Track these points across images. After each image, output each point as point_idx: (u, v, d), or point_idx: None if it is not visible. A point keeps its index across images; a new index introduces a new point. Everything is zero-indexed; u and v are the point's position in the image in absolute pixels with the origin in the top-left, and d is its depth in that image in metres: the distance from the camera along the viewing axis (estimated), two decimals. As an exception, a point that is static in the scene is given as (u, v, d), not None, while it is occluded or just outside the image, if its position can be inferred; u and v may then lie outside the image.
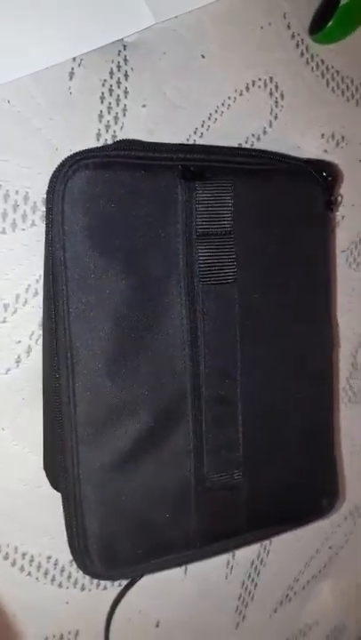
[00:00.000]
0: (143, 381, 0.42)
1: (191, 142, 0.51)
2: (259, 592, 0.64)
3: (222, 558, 0.60)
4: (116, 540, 0.43)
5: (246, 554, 0.62)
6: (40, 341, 0.47)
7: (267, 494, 0.48)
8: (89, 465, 0.42)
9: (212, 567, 0.59)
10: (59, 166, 0.39)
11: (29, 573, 0.51)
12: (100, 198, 0.40)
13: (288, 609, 0.68)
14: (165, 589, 0.57)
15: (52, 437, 0.44)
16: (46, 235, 0.40)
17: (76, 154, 0.39)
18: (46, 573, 0.51)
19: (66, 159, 0.39)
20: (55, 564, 0.51)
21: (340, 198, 0.52)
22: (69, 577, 0.52)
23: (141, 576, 0.47)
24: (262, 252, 0.46)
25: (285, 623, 0.68)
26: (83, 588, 0.53)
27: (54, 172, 0.39)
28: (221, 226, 0.44)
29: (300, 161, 0.48)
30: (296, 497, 0.50)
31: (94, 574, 0.44)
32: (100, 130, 0.47)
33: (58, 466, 0.43)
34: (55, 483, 0.46)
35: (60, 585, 0.52)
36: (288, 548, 0.65)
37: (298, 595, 0.69)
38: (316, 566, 0.69)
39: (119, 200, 0.40)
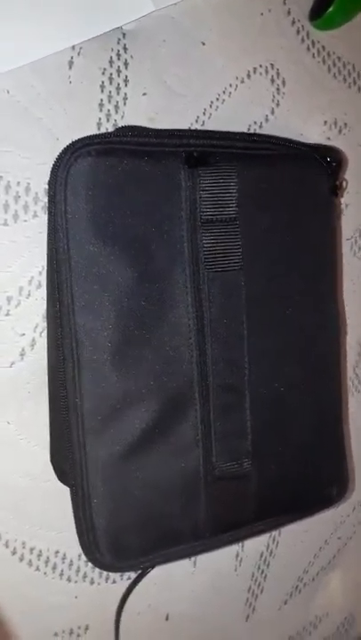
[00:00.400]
0: (149, 371, 0.42)
1: (195, 129, 0.50)
2: (268, 584, 0.64)
3: (231, 550, 0.60)
4: (125, 532, 0.43)
5: (255, 545, 0.61)
6: (44, 334, 0.47)
7: (276, 483, 0.47)
8: (96, 456, 0.41)
9: (221, 560, 0.59)
10: (60, 153, 0.39)
11: (38, 568, 0.50)
12: (103, 185, 0.39)
13: (298, 601, 0.68)
14: (175, 583, 0.57)
15: (58, 430, 0.44)
16: (49, 223, 0.40)
17: (77, 140, 0.39)
18: (55, 568, 0.51)
19: (68, 146, 0.39)
20: (63, 559, 0.51)
21: (344, 183, 0.51)
22: (78, 571, 0.52)
23: (151, 568, 0.47)
24: (268, 239, 0.46)
25: (295, 615, 0.68)
26: (92, 582, 0.53)
27: (56, 159, 0.39)
28: (226, 212, 0.44)
29: (304, 145, 0.47)
30: (305, 486, 0.49)
31: (104, 566, 0.43)
32: (100, 119, 0.47)
33: (65, 458, 0.42)
34: (62, 476, 0.46)
35: (68, 579, 0.52)
36: (297, 540, 0.65)
37: (307, 586, 0.68)
38: (325, 557, 0.68)
39: (122, 187, 0.40)
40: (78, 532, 0.42)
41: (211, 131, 0.48)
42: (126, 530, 0.42)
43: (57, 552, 0.51)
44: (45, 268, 0.44)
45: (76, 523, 0.42)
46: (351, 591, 0.74)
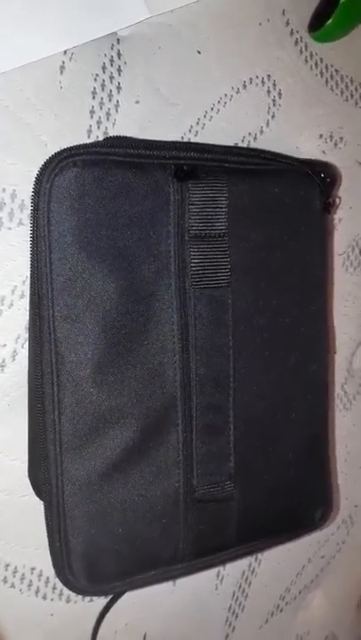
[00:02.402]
0: (132, 389, 0.41)
1: (186, 141, 0.49)
2: (249, 603, 0.63)
3: (212, 569, 0.59)
4: (100, 555, 0.41)
5: (237, 564, 0.60)
6: (26, 345, 0.46)
7: (259, 507, 0.46)
8: (73, 476, 0.40)
9: (202, 578, 0.58)
10: (45, 163, 0.37)
11: (13, 585, 0.49)
12: (89, 197, 0.38)
13: (279, 619, 0.67)
14: (153, 601, 0.56)
15: (35, 446, 0.43)
16: (32, 234, 0.38)
17: (63, 150, 0.37)
18: (30, 585, 0.50)
19: (53, 156, 0.37)
20: (40, 576, 0.50)
21: (338, 200, 0.50)
22: (54, 588, 0.51)
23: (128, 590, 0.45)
24: (257, 255, 0.45)
25: (276, 634, 0.67)
26: (68, 600, 0.51)
27: (40, 169, 0.37)
28: (215, 227, 0.43)
29: (297, 161, 0.46)
30: (289, 509, 0.48)
31: (78, 590, 0.42)
32: (91, 126, 0.46)
33: (41, 476, 0.41)
34: (40, 492, 0.44)
35: (44, 597, 0.50)
36: (280, 558, 0.64)
37: (289, 605, 0.67)
38: (308, 576, 0.67)
39: (108, 199, 0.39)
40: (52, 555, 0.41)
41: (201, 144, 0.47)
42: (102, 553, 0.41)
43: (33, 569, 0.49)
44: (29, 277, 0.43)
45: (49, 544, 0.41)
46: (333, 609, 0.73)
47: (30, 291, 0.42)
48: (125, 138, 0.41)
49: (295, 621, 0.69)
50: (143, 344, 0.41)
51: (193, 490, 0.43)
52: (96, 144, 0.38)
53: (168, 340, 0.42)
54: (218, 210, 0.42)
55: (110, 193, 0.39)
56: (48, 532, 0.41)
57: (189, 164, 0.41)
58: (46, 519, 0.41)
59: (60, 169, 0.37)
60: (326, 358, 0.50)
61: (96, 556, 0.41)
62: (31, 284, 0.41)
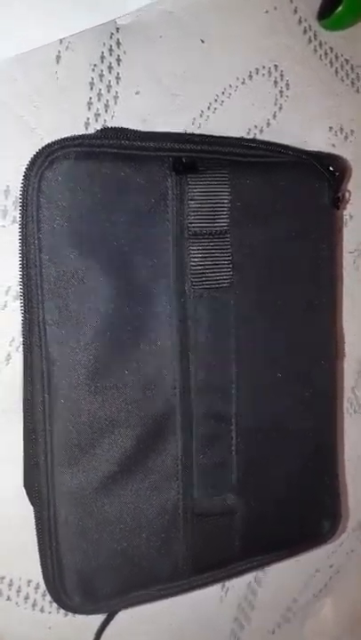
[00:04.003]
0: (127, 396, 0.39)
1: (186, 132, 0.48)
2: (256, 614, 0.61)
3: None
4: (95, 573, 0.39)
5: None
6: (21, 349, 0.44)
7: (263, 519, 0.44)
8: (66, 488, 0.38)
9: (206, 590, 0.56)
10: (35, 155, 0.36)
11: (9, 598, 0.47)
12: (81, 192, 0.36)
13: (286, 630, 0.65)
14: (156, 613, 0.54)
15: (27, 455, 0.41)
16: (20, 232, 0.36)
17: (54, 142, 0.36)
18: (27, 598, 0.48)
19: (43, 148, 0.36)
20: (36, 588, 0.48)
21: (347, 194, 0.48)
22: (52, 602, 0.48)
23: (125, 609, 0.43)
24: (261, 254, 0.42)
25: (284, 645, 0.65)
26: (66, 614, 0.50)
27: (30, 161, 0.36)
28: (216, 224, 0.41)
29: (304, 153, 0.44)
30: (295, 521, 0.46)
31: (72, 609, 0.40)
32: (88, 118, 0.45)
33: (32, 488, 0.39)
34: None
35: (41, 610, 0.49)
36: (287, 568, 0.61)
37: (297, 615, 0.65)
38: (316, 586, 0.65)
39: (102, 194, 0.37)
40: (43, 572, 0.39)
41: (201, 135, 0.45)
42: (97, 569, 0.39)
43: (29, 581, 0.48)
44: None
45: (41, 561, 0.39)
46: (342, 619, 0.70)
47: (21, 292, 0.40)
48: (121, 129, 0.39)
49: (303, 632, 0.67)
50: (140, 349, 0.39)
51: (193, 502, 0.41)
52: (89, 135, 0.37)
53: (166, 344, 0.40)
54: (219, 205, 0.40)
55: (104, 187, 0.37)
56: (39, 546, 0.39)
57: (189, 156, 0.39)
58: (37, 533, 0.39)
59: (50, 162, 0.35)
60: (335, 362, 0.48)
61: (90, 573, 0.39)
62: (21, 285, 0.39)
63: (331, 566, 0.66)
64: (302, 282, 0.44)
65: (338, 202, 0.45)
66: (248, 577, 0.59)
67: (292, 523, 0.46)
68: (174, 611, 0.55)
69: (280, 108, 0.52)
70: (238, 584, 0.58)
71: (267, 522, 0.44)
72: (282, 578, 0.61)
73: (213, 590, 0.57)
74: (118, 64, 0.45)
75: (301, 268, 0.44)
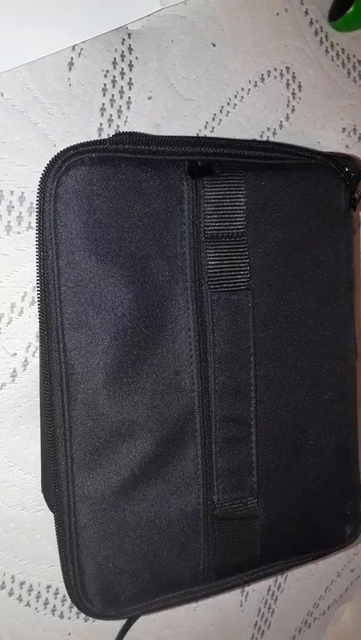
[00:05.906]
0: (146, 400, 0.38)
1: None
2: (276, 619, 0.60)
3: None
4: (116, 577, 0.39)
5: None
6: (37, 354, 0.44)
7: (284, 523, 0.44)
8: (86, 493, 0.38)
9: (225, 594, 0.56)
10: (51, 161, 0.35)
11: (28, 603, 0.47)
12: (98, 197, 0.36)
13: (307, 636, 0.64)
14: (176, 619, 0.54)
15: (46, 461, 0.41)
16: (37, 238, 0.36)
17: (70, 148, 0.35)
18: (46, 603, 0.48)
19: (59, 153, 0.35)
20: (56, 594, 0.48)
21: (364, 196, 0.48)
22: (71, 607, 0.49)
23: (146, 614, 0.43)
24: (278, 256, 0.42)
25: (305, 651, 0.64)
26: (86, 619, 0.50)
27: (46, 167, 0.35)
28: (233, 227, 0.40)
29: (319, 155, 0.44)
30: (317, 525, 0.46)
31: (93, 614, 0.39)
32: (101, 124, 0.45)
33: (52, 493, 0.39)
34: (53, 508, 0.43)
35: (61, 615, 0.49)
36: (307, 572, 0.61)
37: (317, 621, 0.64)
38: (337, 590, 0.65)
39: (119, 199, 0.36)
40: (65, 577, 0.39)
41: (216, 138, 0.45)
42: (118, 575, 0.39)
43: (49, 587, 0.48)
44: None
45: (62, 566, 0.39)
46: (364, 624, 0.70)
47: (38, 298, 0.40)
48: (135, 134, 0.39)
49: (324, 637, 0.66)
50: (158, 352, 0.38)
51: (213, 507, 0.41)
52: (105, 141, 0.36)
53: (184, 347, 0.39)
54: (235, 208, 0.40)
55: (120, 192, 0.36)
56: (60, 552, 0.39)
57: (204, 159, 0.39)
58: (58, 539, 0.39)
59: (66, 167, 0.35)
60: (354, 364, 0.47)
61: (111, 578, 0.39)
62: (39, 290, 0.39)
63: (352, 570, 0.65)
64: (320, 283, 0.44)
65: (355, 203, 0.45)
66: (268, 582, 0.58)
67: (313, 526, 0.45)
68: (194, 616, 0.55)
69: (293, 110, 0.52)
70: (258, 589, 0.58)
71: (287, 526, 0.44)
72: (302, 582, 0.61)
73: (233, 595, 0.57)
74: (130, 69, 0.45)
75: (319, 269, 0.44)
